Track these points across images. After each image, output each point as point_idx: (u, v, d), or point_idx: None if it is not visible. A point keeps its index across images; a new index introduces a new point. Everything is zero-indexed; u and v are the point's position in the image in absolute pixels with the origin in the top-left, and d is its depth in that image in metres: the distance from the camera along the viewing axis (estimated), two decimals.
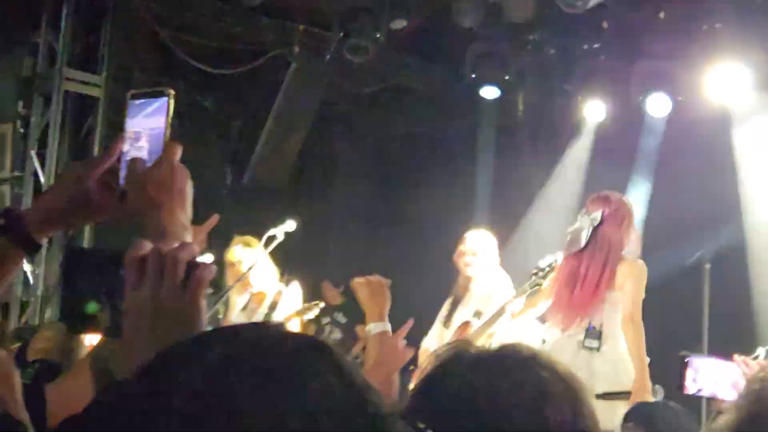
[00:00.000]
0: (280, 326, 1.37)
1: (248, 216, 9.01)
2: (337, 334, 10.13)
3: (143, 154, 2.06)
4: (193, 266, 1.73)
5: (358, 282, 4.16)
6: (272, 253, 7.75)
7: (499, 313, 7.30)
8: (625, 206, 6.76)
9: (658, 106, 9.40)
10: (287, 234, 7.60)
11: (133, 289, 1.72)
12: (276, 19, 9.96)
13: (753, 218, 9.03)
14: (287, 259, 8.09)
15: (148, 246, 1.74)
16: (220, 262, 7.68)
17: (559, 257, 7.45)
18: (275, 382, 1.21)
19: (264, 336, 1.31)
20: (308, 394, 1.21)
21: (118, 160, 2.08)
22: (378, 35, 9.22)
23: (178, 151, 2.01)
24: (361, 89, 10.65)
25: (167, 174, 1.98)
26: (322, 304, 7.73)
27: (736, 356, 3.23)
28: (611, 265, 6.53)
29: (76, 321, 2.13)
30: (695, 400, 5.21)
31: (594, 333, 6.47)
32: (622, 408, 5.70)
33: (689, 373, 3.16)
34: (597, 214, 6.57)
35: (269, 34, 10.02)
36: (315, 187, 10.79)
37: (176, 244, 1.76)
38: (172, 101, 2.08)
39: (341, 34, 9.29)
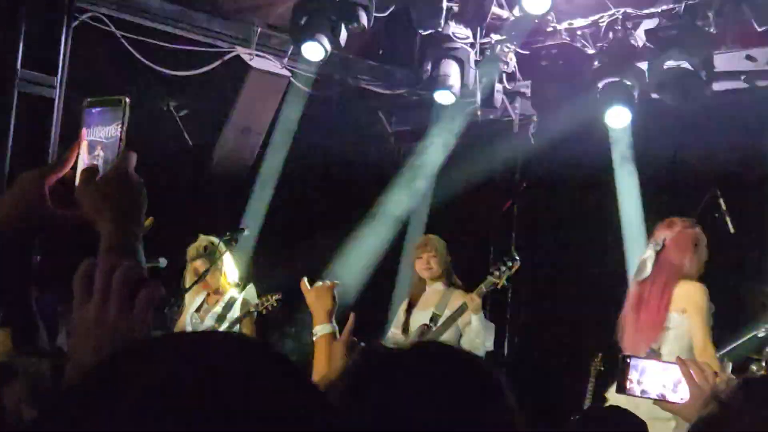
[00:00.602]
0: (229, 333, 1.38)
1: (208, 218, 8.99)
2: (289, 345, 10.11)
3: (98, 162, 2.02)
4: (141, 284, 1.70)
5: (304, 287, 4.20)
6: (230, 254, 7.78)
7: (458, 314, 7.36)
8: (688, 231, 6.74)
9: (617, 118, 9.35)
10: (245, 236, 7.64)
11: (79, 307, 1.69)
12: (234, 21, 9.94)
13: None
14: (244, 261, 8.10)
15: (96, 263, 1.71)
16: (173, 262, 7.69)
17: (515, 260, 7.53)
18: (225, 384, 1.20)
19: (215, 340, 1.30)
20: (258, 397, 1.20)
21: (73, 168, 2.05)
22: (337, 38, 9.21)
23: (133, 160, 1.98)
24: (320, 92, 10.64)
25: (121, 183, 1.95)
26: (278, 296, 7.67)
27: (678, 357, 3.28)
28: (669, 288, 6.55)
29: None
30: None
31: (651, 356, 6.48)
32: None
33: (632, 375, 3.21)
34: (660, 240, 6.60)
35: (229, 36, 10.00)
36: (273, 189, 10.77)
37: (127, 260, 1.74)
38: (127, 109, 2.04)
39: (299, 36, 9.27)
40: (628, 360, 3.29)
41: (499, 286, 7.75)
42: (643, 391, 3.24)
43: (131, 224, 1.90)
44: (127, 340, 1.63)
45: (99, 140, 2.05)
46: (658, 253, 6.59)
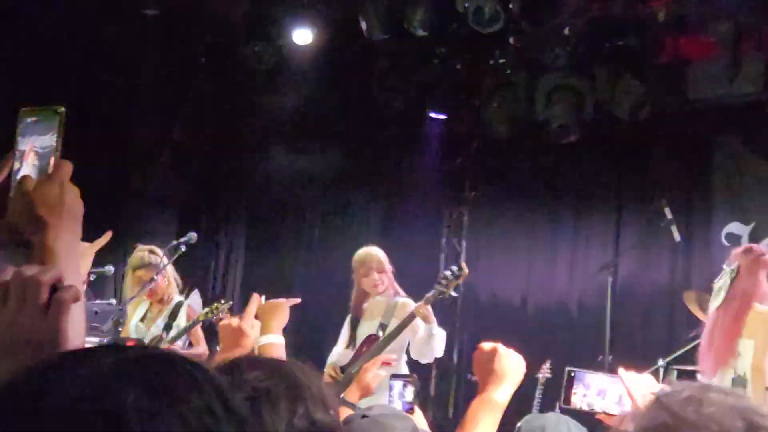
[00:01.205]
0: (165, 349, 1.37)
1: (152, 226, 8.96)
2: None
3: (34, 172, 2.01)
4: (56, 289, 1.68)
5: (258, 301, 4.21)
6: (174, 264, 7.74)
7: (407, 322, 7.35)
8: (763, 259, 6.73)
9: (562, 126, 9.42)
10: (189, 246, 7.59)
11: None
12: (181, 29, 9.92)
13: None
14: (189, 270, 8.07)
15: (11, 270, 1.69)
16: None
17: (462, 270, 7.55)
18: (157, 398, 1.21)
19: (150, 353, 1.31)
20: (189, 412, 1.21)
21: (8, 178, 2.04)
22: (283, 48, 9.24)
23: (69, 169, 1.97)
24: (271, 102, 10.65)
25: (56, 193, 1.94)
26: (228, 303, 7.60)
27: (620, 370, 3.30)
28: (741, 316, 6.54)
29: None
30: None
31: (739, 381, 6.50)
32: None
33: (577, 388, 3.23)
34: (735, 266, 6.58)
35: (174, 44, 9.98)
36: (219, 201, 10.76)
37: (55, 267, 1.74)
38: (63, 118, 2.04)
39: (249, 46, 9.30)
40: (573, 373, 3.32)
41: (446, 296, 7.75)
42: (588, 404, 3.27)
43: (67, 233, 1.90)
44: (41, 347, 1.62)
45: (34, 149, 2.04)
46: (732, 280, 6.57)
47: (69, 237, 1.91)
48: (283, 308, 4.09)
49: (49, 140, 2.04)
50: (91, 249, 3.75)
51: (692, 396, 1.88)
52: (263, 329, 4.01)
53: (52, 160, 2.01)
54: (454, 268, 7.62)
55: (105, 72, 9.57)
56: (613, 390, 3.17)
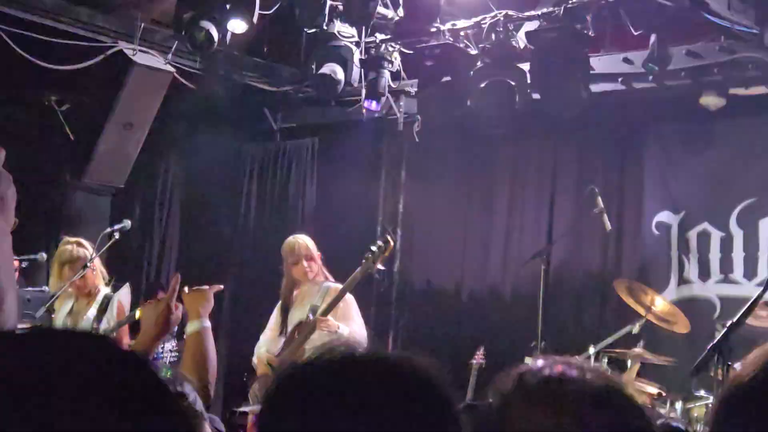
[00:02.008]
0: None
1: (85, 215, 8.91)
2: (171, 343, 10.01)
3: None
4: None
5: (183, 293, 4.26)
6: (106, 254, 7.68)
7: (336, 300, 7.44)
8: None
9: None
10: (123, 233, 7.54)
11: None
12: (117, 16, 9.87)
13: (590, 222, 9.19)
14: (120, 260, 8.03)
15: None
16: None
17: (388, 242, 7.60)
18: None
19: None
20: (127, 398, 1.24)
21: None
22: (219, 35, 9.20)
23: (2, 156, 2.00)
24: (204, 90, 10.63)
25: None
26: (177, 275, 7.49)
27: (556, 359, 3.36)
28: None
29: None
30: None
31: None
32: None
33: None
34: None
35: (111, 31, 9.92)
36: (154, 188, 10.72)
37: None
38: None
39: (183, 33, 9.24)
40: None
41: (375, 270, 7.81)
42: None
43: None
44: None
45: None
46: None
47: (1, 222, 1.92)
48: (207, 295, 4.19)
49: None
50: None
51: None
52: (190, 316, 4.09)
53: None
54: (380, 241, 7.71)
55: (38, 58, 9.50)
56: None
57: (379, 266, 7.78)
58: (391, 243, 7.67)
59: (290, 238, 7.85)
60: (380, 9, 9.16)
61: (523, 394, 1.83)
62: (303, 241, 7.78)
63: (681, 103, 9.42)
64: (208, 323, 4.10)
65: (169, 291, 4.01)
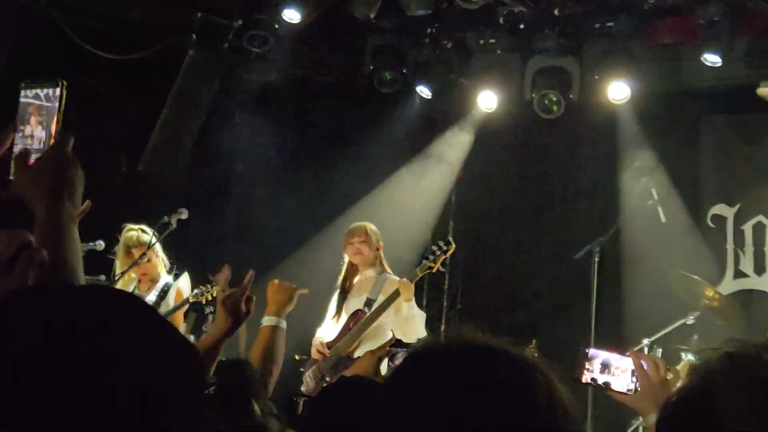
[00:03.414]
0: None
1: (142, 203, 8.99)
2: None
3: (35, 143, 2.06)
4: (22, 248, 1.77)
5: (272, 282, 4.29)
6: (165, 241, 7.78)
7: (391, 299, 7.47)
8: None
9: (551, 104, 9.47)
10: (180, 222, 7.64)
11: None
12: (174, 6, 9.95)
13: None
14: (180, 248, 8.11)
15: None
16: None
17: (450, 244, 7.63)
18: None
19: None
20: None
21: (10, 149, 2.08)
22: (276, 26, 9.25)
23: (70, 142, 2.02)
24: (261, 79, 10.68)
25: (57, 165, 2.00)
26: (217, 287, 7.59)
27: (631, 350, 3.44)
28: None
29: None
30: None
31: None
32: None
33: (586, 365, 3.36)
34: None
35: (167, 21, 10.00)
36: (211, 178, 10.79)
37: (58, 237, 1.83)
38: (64, 91, 2.08)
39: (239, 23, 9.30)
40: (587, 350, 3.45)
41: (434, 270, 7.86)
42: (592, 379, 3.39)
43: (66, 203, 1.97)
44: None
45: (35, 120, 2.09)
46: None
47: (68, 208, 1.98)
48: (293, 294, 4.19)
49: (51, 111, 2.09)
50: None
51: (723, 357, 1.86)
52: (269, 309, 4.11)
53: (53, 130, 2.07)
54: (441, 242, 7.76)
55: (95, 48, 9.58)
56: (620, 367, 3.30)
57: (440, 268, 7.82)
58: (452, 245, 7.71)
59: (356, 223, 7.97)
60: None
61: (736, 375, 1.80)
62: (363, 225, 7.91)
63: (737, 94, 9.40)
64: (284, 324, 4.11)
65: (241, 286, 3.93)
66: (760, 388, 1.68)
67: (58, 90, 2.09)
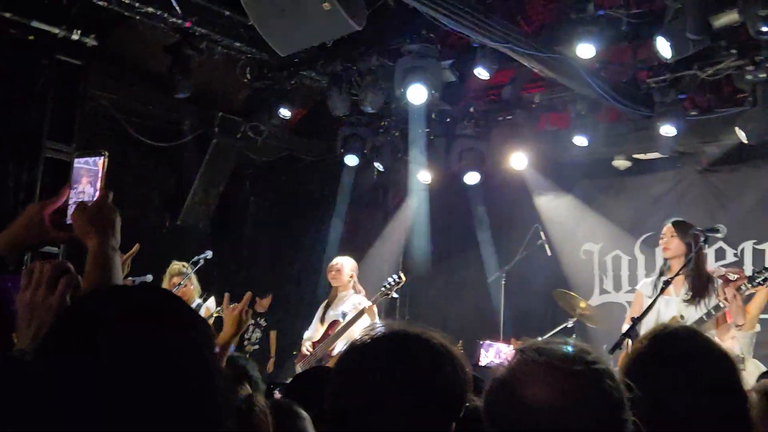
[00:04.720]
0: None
1: (180, 248, 8.98)
2: (257, 334, 10.11)
3: (85, 197, 2.05)
4: (62, 275, 1.75)
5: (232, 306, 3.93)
6: (196, 274, 7.80)
7: (358, 316, 7.45)
8: None
9: (471, 175, 9.51)
10: (206, 260, 7.66)
11: (21, 293, 1.75)
12: (203, 107, 10.04)
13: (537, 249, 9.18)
14: (207, 280, 8.11)
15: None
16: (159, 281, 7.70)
17: (401, 277, 7.62)
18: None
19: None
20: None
21: (65, 202, 2.08)
22: (272, 120, 9.31)
23: (110, 196, 2.02)
24: (262, 158, 10.75)
25: (102, 211, 1.98)
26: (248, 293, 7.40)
27: (513, 340, 3.50)
28: None
29: None
30: None
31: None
32: None
33: (483, 353, 3.45)
34: None
35: (196, 117, 10.06)
36: (230, 228, 10.79)
37: (105, 266, 1.86)
38: (105, 159, 2.07)
39: (247, 119, 9.34)
40: (481, 343, 3.51)
41: (389, 296, 7.83)
42: (488, 362, 3.45)
43: (110, 239, 1.96)
44: (48, 315, 1.70)
45: (84, 180, 2.09)
46: None
47: (111, 242, 1.96)
48: (235, 318, 3.85)
49: (96, 174, 2.07)
50: (125, 257, 3.87)
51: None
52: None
53: (99, 187, 2.06)
54: (395, 275, 7.73)
55: (145, 138, 9.60)
56: (505, 353, 3.35)
57: (394, 294, 7.80)
58: (403, 278, 7.68)
59: (335, 258, 7.95)
60: None
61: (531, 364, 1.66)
62: (338, 260, 7.83)
63: (599, 165, 9.43)
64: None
65: (241, 303, 3.87)
66: (547, 371, 1.58)
67: (101, 159, 2.08)
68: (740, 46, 7.20)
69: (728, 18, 6.43)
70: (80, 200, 2.05)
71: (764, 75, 7.13)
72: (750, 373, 5.51)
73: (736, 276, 5.75)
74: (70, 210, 2.06)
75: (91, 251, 1.92)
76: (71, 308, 1.44)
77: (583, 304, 8.08)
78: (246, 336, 10.04)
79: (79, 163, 2.11)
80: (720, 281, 5.84)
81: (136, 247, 4.01)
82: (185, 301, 1.45)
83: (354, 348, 1.80)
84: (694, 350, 2.02)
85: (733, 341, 5.77)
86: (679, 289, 5.96)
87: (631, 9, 7.32)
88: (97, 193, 2.05)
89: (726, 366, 2.03)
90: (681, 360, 1.99)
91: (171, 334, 1.29)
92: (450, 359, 1.74)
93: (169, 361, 1.26)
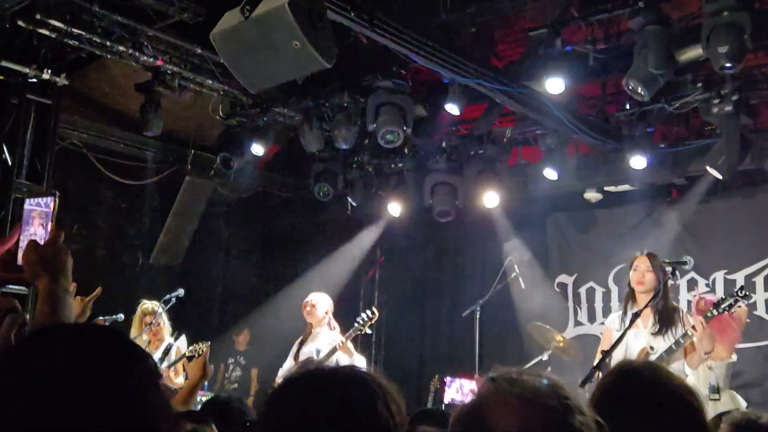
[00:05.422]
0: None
1: (153, 286, 8.93)
2: (237, 372, 10.02)
3: (37, 237, 2.04)
4: (7, 312, 1.76)
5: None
6: (168, 313, 7.71)
7: (332, 352, 7.41)
8: None
9: (443, 212, 9.40)
10: (178, 299, 7.58)
11: None
12: (175, 144, 10.01)
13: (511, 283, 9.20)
14: (179, 318, 8.04)
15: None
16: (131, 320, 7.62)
17: (374, 313, 7.59)
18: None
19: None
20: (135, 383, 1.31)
21: (16, 242, 2.07)
22: (245, 157, 9.30)
23: (62, 236, 2.00)
24: (236, 195, 10.72)
25: (53, 252, 1.97)
26: (207, 343, 7.47)
27: (476, 375, 3.47)
28: None
29: None
30: None
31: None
32: None
33: (447, 388, 3.42)
34: None
35: (169, 155, 10.04)
36: (201, 265, 10.75)
37: (57, 305, 1.85)
38: (57, 199, 2.05)
39: (220, 156, 9.33)
40: (444, 379, 3.50)
41: (362, 332, 7.80)
42: (452, 399, 3.44)
43: (60, 280, 1.95)
44: None
45: (35, 221, 2.08)
46: None
47: (63, 283, 1.95)
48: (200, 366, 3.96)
49: (48, 215, 2.06)
50: (87, 299, 3.83)
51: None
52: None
53: (50, 228, 2.04)
54: (369, 311, 7.71)
55: (118, 177, 9.56)
56: (468, 388, 3.34)
57: (367, 330, 7.78)
58: (376, 314, 7.65)
59: (310, 295, 7.90)
60: None
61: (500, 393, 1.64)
62: (311, 297, 7.79)
63: (571, 197, 9.47)
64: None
65: (201, 357, 3.96)
66: (519, 403, 1.57)
67: (52, 199, 2.07)
68: (706, 80, 7.33)
69: (692, 53, 6.53)
70: (31, 240, 2.03)
71: (730, 108, 7.24)
72: (724, 405, 5.52)
73: (702, 302, 5.79)
74: (21, 251, 2.05)
75: (41, 292, 1.91)
76: (13, 346, 1.44)
77: (558, 337, 8.09)
78: (226, 375, 9.95)
79: (30, 204, 2.10)
80: (693, 308, 5.87)
81: (99, 290, 3.97)
82: (132, 341, 1.43)
83: (286, 382, 1.75)
84: (657, 387, 2.03)
85: (708, 371, 5.78)
86: (647, 321, 5.99)
87: (598, 44, 7.42)
88: (48, 235, 2.04)
89: (687, 402, 2.04)
90: (644, 397, 2.00)
91: (110, 372, 1.30)
92: (381, 394, 1.68)
93: (104, 399, 1.27)
